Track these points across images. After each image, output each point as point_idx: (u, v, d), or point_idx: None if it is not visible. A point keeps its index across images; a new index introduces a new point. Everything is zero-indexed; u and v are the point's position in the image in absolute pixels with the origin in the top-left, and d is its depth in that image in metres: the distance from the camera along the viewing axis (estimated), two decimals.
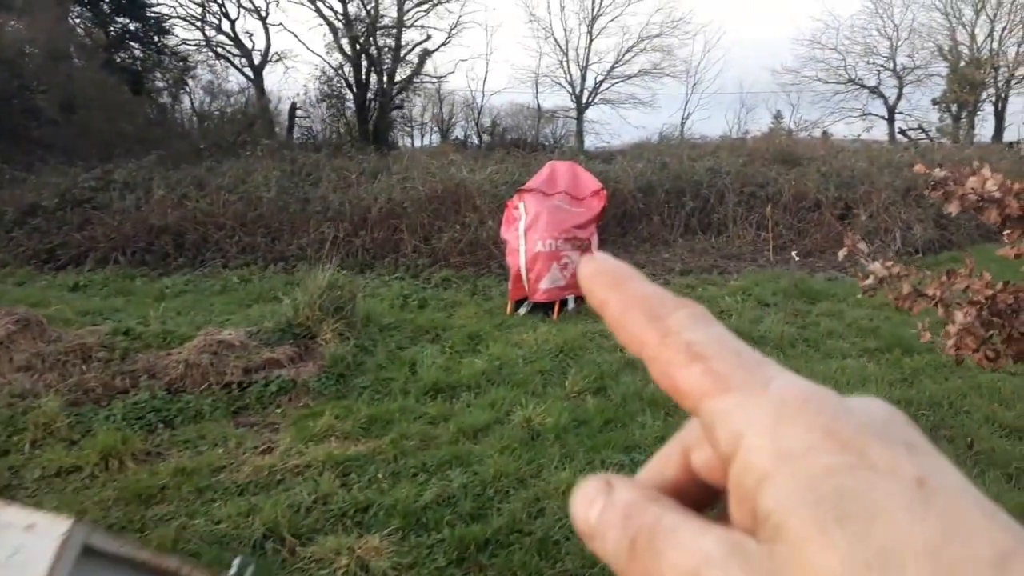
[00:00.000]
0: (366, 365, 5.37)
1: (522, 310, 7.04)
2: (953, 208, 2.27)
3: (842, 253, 2.44)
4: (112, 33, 24.80)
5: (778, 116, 32.72)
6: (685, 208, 11.09)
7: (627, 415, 4.50)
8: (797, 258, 8.89)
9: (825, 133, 29.55)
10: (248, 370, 5.08)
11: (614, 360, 5.39)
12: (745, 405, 0.26)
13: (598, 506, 0.28)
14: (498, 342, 5.93)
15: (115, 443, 4.16)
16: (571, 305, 7.13)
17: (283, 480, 3.83)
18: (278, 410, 4.80)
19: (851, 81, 32.83)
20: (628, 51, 30.31)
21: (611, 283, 0.30)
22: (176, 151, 16.13)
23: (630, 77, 30.65)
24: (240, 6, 27.26)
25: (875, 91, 32.70)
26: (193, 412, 4.71)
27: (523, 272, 6.90)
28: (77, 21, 24.31)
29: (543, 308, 7.02)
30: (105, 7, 24.60)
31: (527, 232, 6.91)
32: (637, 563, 0.27)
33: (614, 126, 33.86)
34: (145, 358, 5.20)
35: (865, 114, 33.05)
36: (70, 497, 3.69)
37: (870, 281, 2.29)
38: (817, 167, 12.25)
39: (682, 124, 29.62)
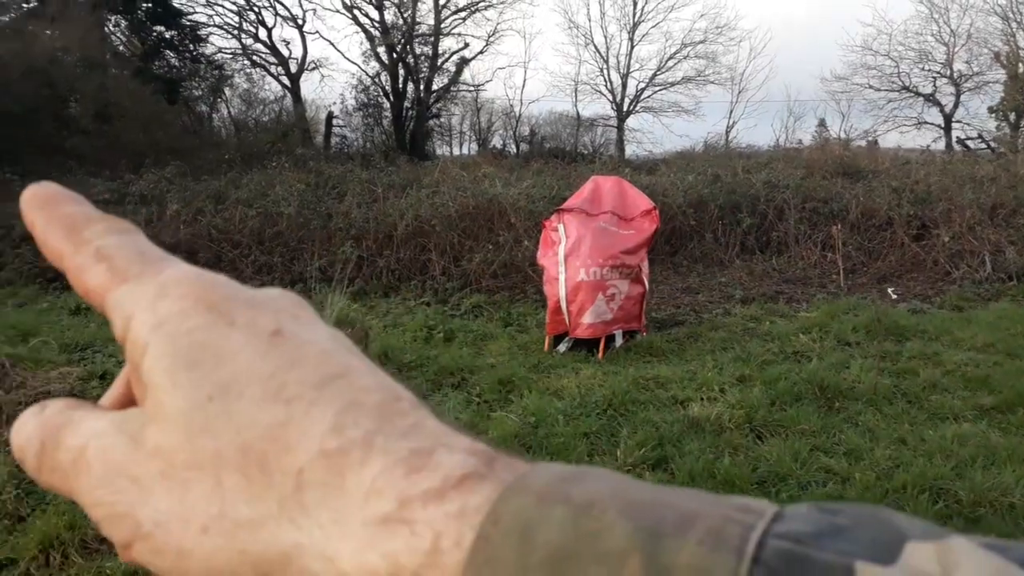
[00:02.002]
0: None
1: (562, 347, 6.13)
2: None
3: None
4: (148, 42, 24.57)
5: (822, 124, 31.32)
6: (741, 225, 10.07)
7: None
8: (896, 296, 7.69)
9: (874, 142, 28.17)
10: None
11: (676, 420, 4.45)
12: (135, 291, 0.28)
13: (29, 425, 0.29)
14: (534, 390, 5.03)
15: (59, 529, 3.37)
16: (619, 341, 6.20)
17: None
18: None
19: (905, 88, 31.36)
20: (671, 58, 29.35)
21: (40, 204, 0.30)
22: (208, 161, 15.63)
23: (673, 85, 29.69)
24: (277, 15, 27.05)
25: (931, 99, 31.18)
26: None
27: (563, 304, 5.99)
28: (113, 30, 24.16)
29: (586, 345, 6.10)
30: (141, 16, 24.40)
31: (568, 258, 6.00)
32: (46, 460, 0.28)
33: (656, 134, 32.80)
34: None
35: (920, 123, 31.57)
36: None
37: None
38: (887, 181, 11.13)
39: (727, 133, 28.52)
